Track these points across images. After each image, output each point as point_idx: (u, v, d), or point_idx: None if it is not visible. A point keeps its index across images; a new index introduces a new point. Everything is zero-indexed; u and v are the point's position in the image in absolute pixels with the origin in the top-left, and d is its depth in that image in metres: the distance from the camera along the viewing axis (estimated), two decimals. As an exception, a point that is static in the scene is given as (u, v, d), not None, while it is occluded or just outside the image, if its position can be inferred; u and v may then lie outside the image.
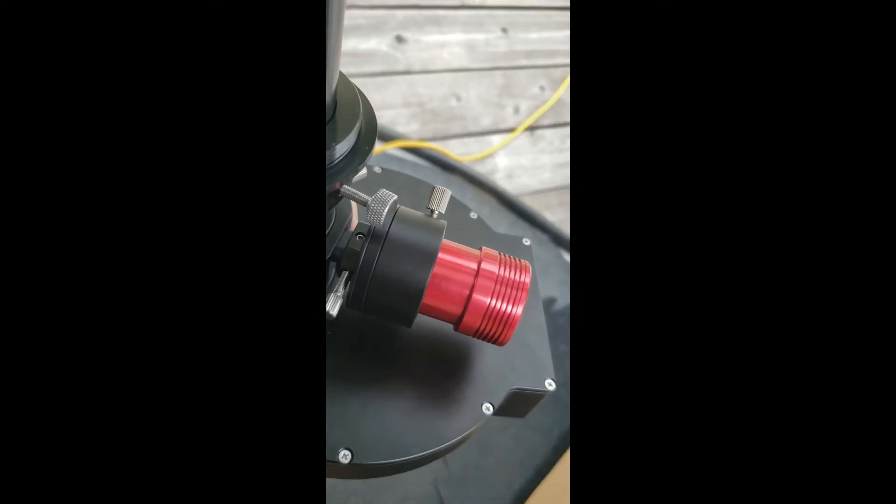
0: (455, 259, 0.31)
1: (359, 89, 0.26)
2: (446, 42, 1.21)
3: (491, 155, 1.27)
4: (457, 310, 0.31)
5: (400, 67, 1.15)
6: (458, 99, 1.22)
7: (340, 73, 0.25)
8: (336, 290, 0.28)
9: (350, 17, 1.14)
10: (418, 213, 0.31)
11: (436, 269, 0.29)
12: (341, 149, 0.24)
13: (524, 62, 1.30)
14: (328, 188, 0.24)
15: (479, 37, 1.27)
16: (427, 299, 0.30)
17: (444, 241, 0.31)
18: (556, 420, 1.01)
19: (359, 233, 0.30)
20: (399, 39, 1.18)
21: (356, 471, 0.28)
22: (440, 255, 0.30)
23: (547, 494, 0.93)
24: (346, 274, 0.29)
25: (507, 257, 0.32)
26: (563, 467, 0.97)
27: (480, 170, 1.18)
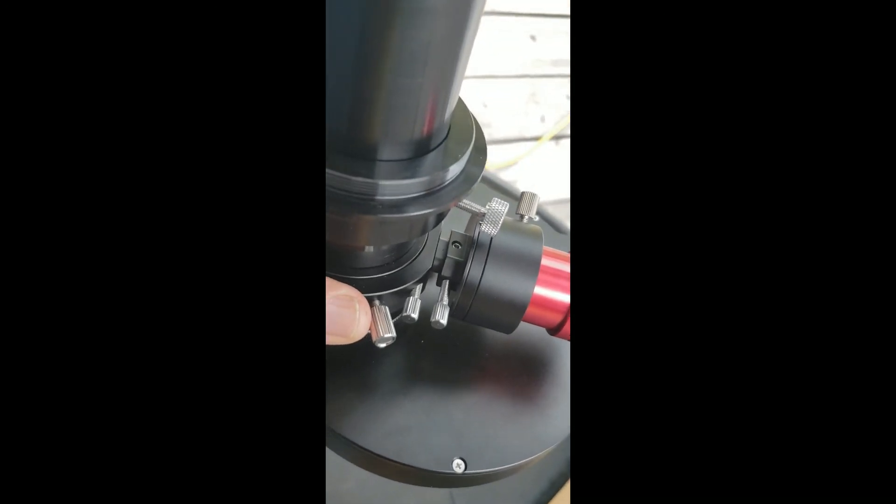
0: (556, 265, 0.30)
1: (474, 117, 0.26)
2: (474, 48, 1.20)
3: (515, 163, 1.27)
4: (558, 317, 0.30)
5: (428, 71, 1.15)
6: (485, 106, 1.22)
7: (459, 99, 0.25)
8: (441, 300, 0.28)
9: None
10: (513, 221, 0.30)
11: (540, 277, 0.29)
12: (454, 170, 0.23)
13: (551, 70, 1.29)
14: (443, 207, 0.23)
15: (508, 44, 1.27)
16: (530, 308, 0.29)
17: (544, 248, 0.30)
18: (575, 433, 1.01)
19: (454, 241, 0.30)
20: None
21: (468, 480, 0.28)
22: (542, 262, 0.29)
23: (564, 507, 0.92)
24: (446, 283, 0.29)
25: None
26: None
27: (504, 177, 1.18)
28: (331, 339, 0.26)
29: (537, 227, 0.31)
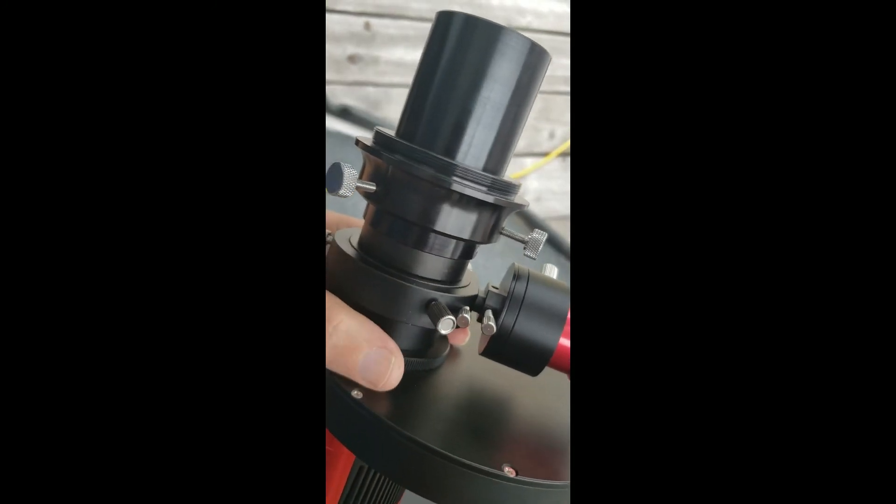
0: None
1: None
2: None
3: (522, 177, 1.28)
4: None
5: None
6: (496, 118, 1.22)
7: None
8: (488, 316, 0.30)
9: (399, 27, 1.14)
10: (546, 276, 0.33)
11: (565, 329, 0.30)
12: (510, 192, 0.31)
13: (564, 88, 1.31)
14: (490, 198, 0.29)
15: (522, 58, 1.27)
16: (556, 356, 0.31)
17: None
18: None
19: (492, 286, 0.33)
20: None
21: (517, 492, 0.27)
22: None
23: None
24: (490, 311, 0.31)
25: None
26: None
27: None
28: (364, 383, 0.27)
29: (565, 284, 0.32)
